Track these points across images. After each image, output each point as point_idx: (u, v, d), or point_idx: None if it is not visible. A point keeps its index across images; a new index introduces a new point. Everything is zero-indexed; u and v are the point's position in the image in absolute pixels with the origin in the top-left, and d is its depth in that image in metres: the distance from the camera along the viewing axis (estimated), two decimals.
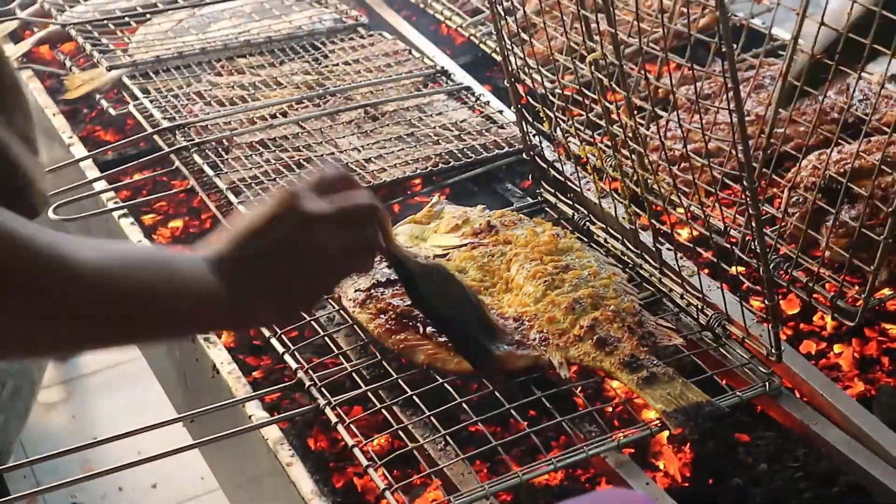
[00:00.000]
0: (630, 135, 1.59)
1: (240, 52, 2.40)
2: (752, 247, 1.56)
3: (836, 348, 1.73)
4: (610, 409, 1.58)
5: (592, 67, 1.61)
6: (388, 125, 2.13)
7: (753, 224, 1.43)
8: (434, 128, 2.11)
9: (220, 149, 2.08)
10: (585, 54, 1.68)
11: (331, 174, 1.24)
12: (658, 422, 1.47)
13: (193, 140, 2.09)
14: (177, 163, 2.08)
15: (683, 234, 1.88)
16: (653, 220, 1.71)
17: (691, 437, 1.56)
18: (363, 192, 1.26)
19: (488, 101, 2.22)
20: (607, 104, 1.62)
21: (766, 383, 1.53)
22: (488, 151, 2.04)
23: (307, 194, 1.19)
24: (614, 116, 1.63)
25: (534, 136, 1.93)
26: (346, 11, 2.57)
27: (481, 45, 2.44)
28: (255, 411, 1.58)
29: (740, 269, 1.73)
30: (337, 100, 2.21)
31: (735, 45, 1.66)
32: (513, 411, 1.49)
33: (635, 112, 1.59)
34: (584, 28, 1.62)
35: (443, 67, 2.33)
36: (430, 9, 2.62)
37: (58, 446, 1.56)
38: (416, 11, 2.72)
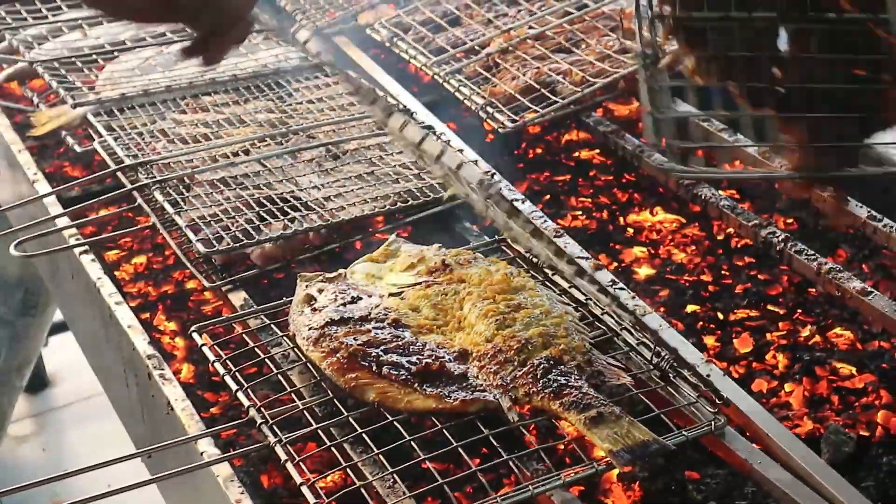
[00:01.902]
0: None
1: (205, 89, 2.42)
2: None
3: (787, 387, 1.76)
4: (561, 447, 1.60)
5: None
6: (348, 164, 2.15)
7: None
8: (394, 167, 2.13)
9: (181, 186, 2.09)
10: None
11: None
12: (606, 460, 1.49)
13: (156, 177, 2.11)
14: (139, 200, 2.10)
15: (639, 272, 1.91)
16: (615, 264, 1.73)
17: (641, 474, 1.58)
18: None
19: (449, 140, 2.25)
20: None
21: (713, 422, 1.54)
22: (446, 190, 2.06)
23: None
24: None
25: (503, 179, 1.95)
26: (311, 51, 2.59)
27: (445, 84, 2.46)
28: (207, 448, 1.59)
29: (695, 307, 1.76)
30: (299, 138, 2.23)
31: None
32: (461, 450, 1.50)
33: None
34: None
35: (405, 106, 2.36)
36: (395, 48, 2.64)
37: (28, 479, 1.57)
38: (384, 50, 2.75)
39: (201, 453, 1.58)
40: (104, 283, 1.95)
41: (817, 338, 1.86)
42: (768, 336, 1.84)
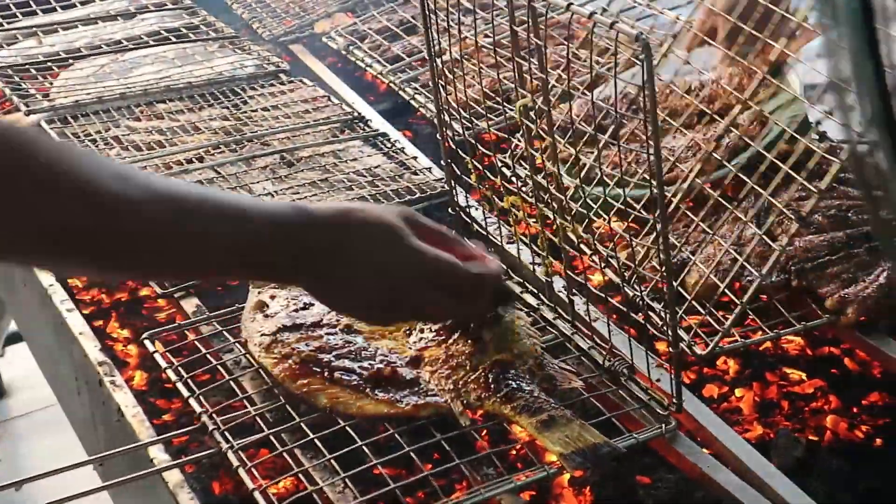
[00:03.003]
0: (553, 182, 1.62)
1: (159, 97, 2.42)
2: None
3: (738, 392, 1.77)
4: (513, 452, 1.60)
5: (521, 113, 1.64)
6: (302, 171, 2.15)
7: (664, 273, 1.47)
8: (348, 173, 2.14)
9: None
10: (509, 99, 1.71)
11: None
12: (557, 463, 1.50)
13: None
14: None
15: (593, 279, 1.91)
16: (568, 272, 1.73)
17: (592, 479, 1.58)
18: (494, 262, 1.45)
19: (403, 148, 2.25)
20: (532, 151, 1.65)
21: (663, 425, 1.55)
22: (400, 197, 2.07)
23: (433, 241, 1.36)
24: (539, 164, 1.66)
25: (455, 188, 1.96)
26: (267, 58, 2.60)
27: (400, 92, 2.47)
28: (158, 454, 1.58)
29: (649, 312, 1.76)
30: (253, 145, 2.23)
31: None
32: (413, 454, 1.50)
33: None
34: (515, 73, 1.64)
35: (360, 114, 2.36)
36: (351, 56, 2.65)
37: None
38: (341, 58, 2.75)
39: (151, 459, 1.57)
40: (56, 290, 1.94)
41: (768, 344, 1.87)
42: (704, 347, 1.85)
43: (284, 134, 2.26)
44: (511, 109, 1.70)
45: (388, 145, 2.26)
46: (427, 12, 1.75)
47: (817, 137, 1.87)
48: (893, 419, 1.70)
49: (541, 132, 1.59)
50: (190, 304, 1.89)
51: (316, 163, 2.17)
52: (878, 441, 1.67)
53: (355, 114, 2.35)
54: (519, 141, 1.69)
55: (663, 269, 1.47)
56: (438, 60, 1.80)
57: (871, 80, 0.63)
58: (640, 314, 1.64)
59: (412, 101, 2.44)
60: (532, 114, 1.60)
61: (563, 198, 1.61)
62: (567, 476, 1.58)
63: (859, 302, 1.74)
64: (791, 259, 1.82)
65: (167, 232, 1.19)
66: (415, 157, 2.21)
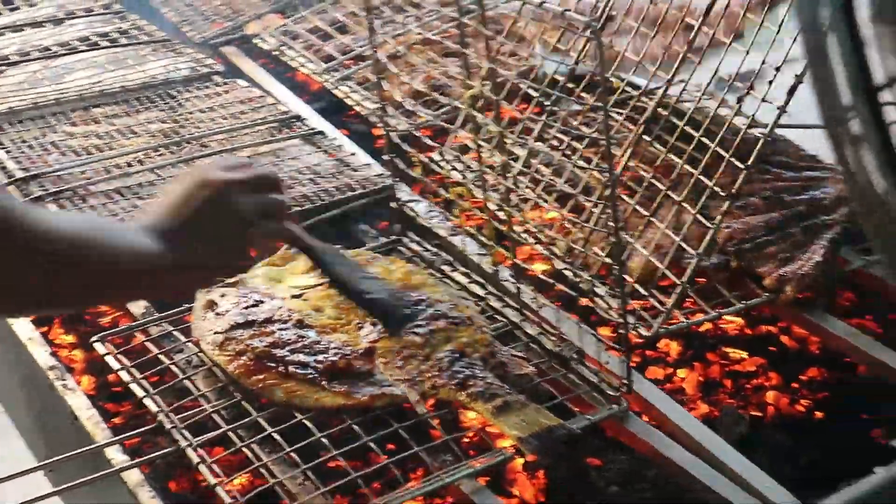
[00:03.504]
0: (500, 171, 1.65)
1: (95, 102, 2.41)
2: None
3: (681, 373, 1.81)
4: (466, 440, 1.63)
5: (468, 103, 1.66)
6: None
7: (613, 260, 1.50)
8: (289, 172, 2.15)
9: (76, 198, 2.08)
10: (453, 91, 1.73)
11: (235, 160, 1.43)
12: (512, 447, 1.52)
13: (49, 190, 2.09)
14: None
15: (537, 268, 1.94)
16: (515, 260, 1.76)
17: (546, 462, 1.61)
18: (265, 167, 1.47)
19: (341, 145, 2.27)
20: (479, 142, 1.67)
21: (615, 406, 1.59)
22: (342, 193, 2.09)
23: (218, 168, 1.37)
24: (485, 153, 1.68)
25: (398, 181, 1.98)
26: (201, 60, 2.60)
27: (335, 91, 2.49)
28: (116, 455, 1.59)
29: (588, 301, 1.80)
30: (192, 147, 2.23)
31: None
32: (372, 444, 1.52)
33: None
34: (464, 64, 1.66)
35: (297, 113, 2.37)
36: (284, 56, 2.66)
37: None
38: (272, 59, 2.76)
39: (109, 461, 1.58)
40: None
41: (708, 325, 1.92)
42: (651, 328, 1.88)
43: (223, 135, 2.27)
44: (448, 104, 1.73)
45: (327, 143, 2.27)
46: (370, 8, 1.77)
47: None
48: (832, 393, 1.76)
49: (488, 121, 1.62)
50: (137, 307, 1.89)
51: (256, 162, 2.18)
52: (819, 414, 1.73)
53: (292, 113, 2.37)
54: (465, 132, 1.71)
55: (609, 251, 1.50)
56: (381, 55, 1.81)
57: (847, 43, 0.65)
58: (586, 299, 1.68)
59: (347, 100, 2.45)
60: (480, 104, 1.63)
61: (510, 186, 1.64)
62: (520, 461, 1.61)
63: (797, 280, 1.79)
64: (729, 240, 1.86)
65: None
66: (353, 154, 2.23)
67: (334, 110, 2.53)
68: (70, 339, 2.01)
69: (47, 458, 1.70)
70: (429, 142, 1.81)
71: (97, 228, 1.26)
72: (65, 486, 1.57)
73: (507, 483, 1.63)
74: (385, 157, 1.94)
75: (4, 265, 1.12)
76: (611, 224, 1.48)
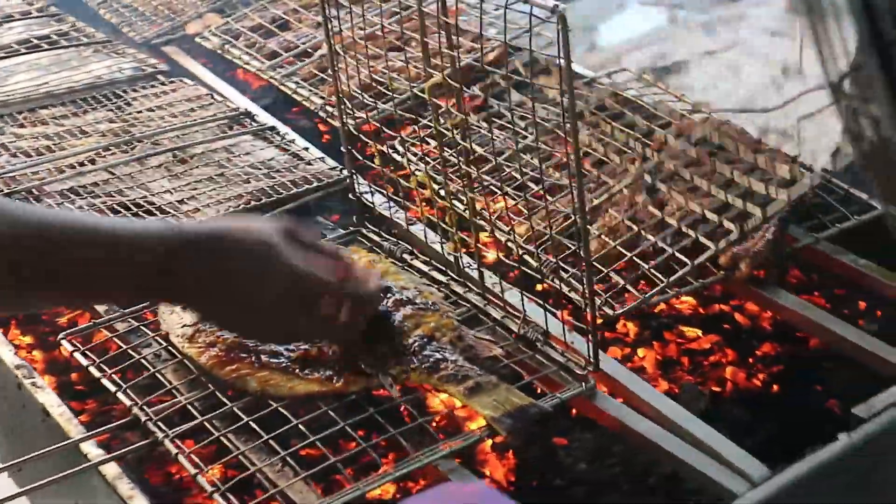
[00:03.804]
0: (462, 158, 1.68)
1: (41, 103, 2.40)
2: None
3: (640, 352, 1.85)
4: (434, 423, 1.65)
5: (429, 93, 1.69)
6: (197, 167, 2.17)
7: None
8: (243, 167, 2.16)
9: (30, 199, 2.08)
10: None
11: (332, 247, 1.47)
12: (480, 429, 1.55)
13: (2, 191, 2.09)
14: None
15: (495, 254, 1.97)
16: (478, 245, 1.79)
17: (518, 441, 1.65)
18: (373, 278, 1.49)
19: (293, 140, 2.29)
20: (442, 129, 1.70)
21: (583, 384, 1.63)
22: (298, 187, 2.10)
23: (312, 258, 1.39)
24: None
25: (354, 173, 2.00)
26: (144, 60, 2.60)
27: (281, 87, 2.50)
28: (92, 450, 1.59)
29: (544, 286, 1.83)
30: (144, 145, 2.24)
31: None
32: (348, 428, 1.55)
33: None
34: (424, 52, 1.69)
35: (246, 110, 2.39)
36: (227, 55, 2.66)
37: None
38: (211, 58, 2.76)
39: (85, 455, 1.58)
40: None
41: (662, 305, 1.96)
42: (616, 307, 1.93)
43: (174, 132, 2.27)
44: (399, 96, 1.76)
45: (278, 138, 2.29)
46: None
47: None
48: (786, 366, 1.81)
49: (451, 109, 1.64)
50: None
51: (209, 158, 2.19)
52: (775, 387, 1.78)
53: (241, 110, 2.38)
54: (424, 121, 1.74)
55: (574, 233, 1.54)
56: (337, 46, 1.83)
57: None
58: (548, 283, 1.72)
59: (294, 95, 2.47)
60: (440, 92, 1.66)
61: (474, 171, 1.67)
62: (489, 442, 1.65)
63: (751, 257, 1.84)
64: (682, 220, 1.91)
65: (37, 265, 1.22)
66: (306, 149, 2.25)
67: (280, 107, 2.55)
68: (28, 339, 2.01)
69: (11, 459, 1.70)
70: (387, 131, 1.84)
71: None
72: (38, 483, 1.57)
73: (479, 464, 1.66)
74: (343, 149, 1.96)
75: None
76: (574, 206, 1.52)
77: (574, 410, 1.70)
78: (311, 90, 2.44)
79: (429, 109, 1.75)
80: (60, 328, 2.00)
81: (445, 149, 1.74)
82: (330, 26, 1.83)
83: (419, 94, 1.72)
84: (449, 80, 1.63)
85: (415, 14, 2.39)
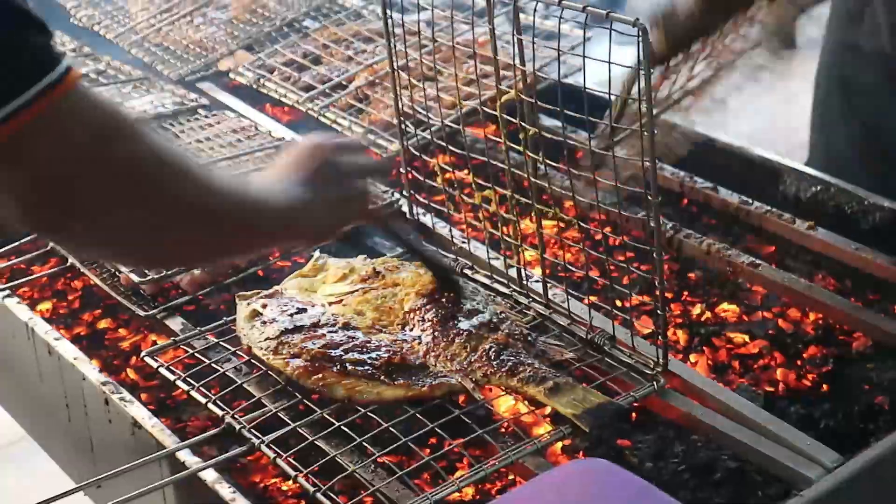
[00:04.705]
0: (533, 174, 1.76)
1: None
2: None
3: (692, 358, 1.94)
4: (503, 429, 1.72)
5: (502, 109, 1.77)
6: None
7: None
8: None
9: None
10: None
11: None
12: (547, 434, 1.64)
13: None
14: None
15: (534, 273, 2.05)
16: (544, 256, 1.87)
17: (582, 445, 1.73)
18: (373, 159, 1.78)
19: None
20: (511, 144, 1.78)
21: (654, 383, 1.71)
22: None
23: (321, 138, 1.62)
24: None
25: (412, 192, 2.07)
26: (184, 95, 2.68)
27: (320, 118, 2.58)
28: (188, 458, 1.66)
29: (593, 297, 1.91)
30: None
31: None
32: (438, 429, 1.62)
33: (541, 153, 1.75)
34: (496, 70, 1.77)
35: (292, 139, 2.46)
36: (263, 88, 2.74)
37: None
38: (243, 94, 2.84)
39: (182, 462, 1.65)
40: (36, 322, 1.99)
41: (708, 314, 2.05)
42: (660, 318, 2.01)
43: (226, 162, 2.34)
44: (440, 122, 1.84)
45: None
46: (388, 19, 1.88)
47: None
48: (835, 366, 1.90)
49: (522, 126, 1.73)
50: (175, 323, 1.96)
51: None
52: (825, 387, 1.87)
53: (287, 139, 2.45)
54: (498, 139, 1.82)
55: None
56: (402, 73, 1.92)
57: None
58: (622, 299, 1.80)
59: (334, 126, 2.55)
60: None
61: (545, 185, 1.76)
62: (559, 445, 1.72)
63: None
64: None
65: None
66: None
67: None
68: (95, 364, 2.07)
69: (93, 476, 1.75)
70: (453, 149, 1.92)
71: (245, 188, 1.45)
72: (148, 487, 1.62)
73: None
74: (402, 169, 2.04)
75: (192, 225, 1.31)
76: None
77: (634, 415, 1.77)
78: (351, 120, 2.52)
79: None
80: (124, 352, 2.06)
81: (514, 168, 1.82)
82: (393, 47, 1.90)
83: (490, 111, 1.80)
84: (521, 96, 1.71)
85: (443, 47, 2.50)
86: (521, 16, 1.72)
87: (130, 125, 1.23)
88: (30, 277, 2.19)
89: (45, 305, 2.22)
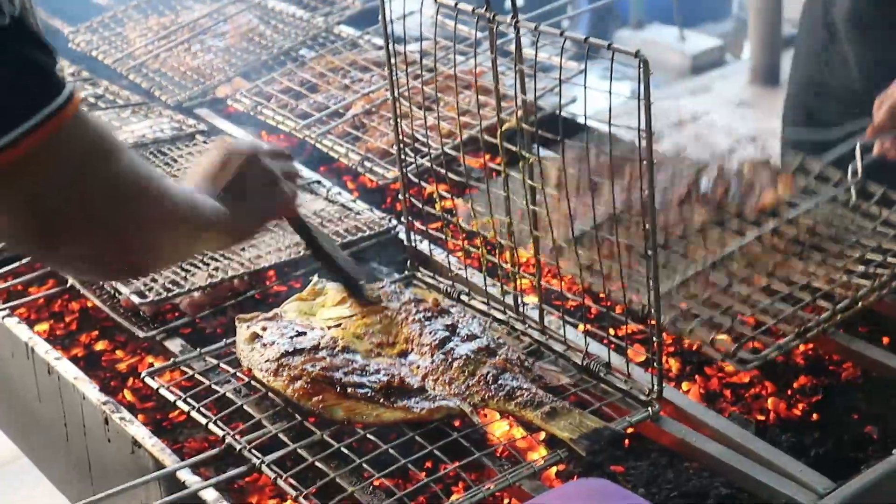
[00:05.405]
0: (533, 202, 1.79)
1: None
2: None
3: (685, 386, 1.96)
4: (498, 452, 1.75)
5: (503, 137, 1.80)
6: None
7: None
8: None
9: None
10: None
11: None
12: (542, 458, 1.66)
13: None
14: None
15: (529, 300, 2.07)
16: (540, 283, 1.89)
17: (576, 470, 1.75)
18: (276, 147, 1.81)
19: (339, 192, 2.40)
20: (510, 172, 1.81)
21: (649, 409, 1.74)
22: (352, 235, 2.21)
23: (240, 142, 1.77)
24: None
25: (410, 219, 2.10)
26: (183, 120, 2.71)
27: (317, 145, 2.61)
28: (188, 477, 1.67)
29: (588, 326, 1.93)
30: None
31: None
32: (437, 452, 1.65)
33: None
34: (497, 99, 1.80)
35: (216, 138, 2.49)
36: (260, 115, 2.77)
37: None
38: (240, 121, 2.87)
39: (183, 482, 1.66)
40: (36, 342, 2.01)
41: (698, 342, 2.07)
42: (655, 345, 2.03)
43: None
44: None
45: (324, 191, 2.39)
46: (389, 49, 1.91)
47: None
48: (825, 396, 1.93)
49: (522, 153, 1.76)
50: (174, 345, 1.98)
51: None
52: (815, 416, 1.90)
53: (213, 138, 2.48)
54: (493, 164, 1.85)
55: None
56: (403, 100, 1.95)
57: None
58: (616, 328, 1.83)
59: (331, 153, 2.58)
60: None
61: (543, 210, 1.79)
62: (554, 469, 1.75)
63: None
64: None
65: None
66: (353, 200, 2.36)
67: (315, 163, 2.66)
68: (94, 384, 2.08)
69: (90, 495, 1.76)
70: (452, 175, 1.95)
71: (197, 197, 1.50)
72: None
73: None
74: (400, 196, 2.07)
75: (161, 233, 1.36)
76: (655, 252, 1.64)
77: (627, 441, 1.80)
78: (347, 147, 2.55)
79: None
80: (121, 373, 2.08)
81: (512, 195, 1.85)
82: (395, 76, 1.93)
83: (490, 139, 1.83)
84: (522, 125, 1.74)
85: (439, 76, 2.53)
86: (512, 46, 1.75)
87: (117, 146, 1.28)
88: (27, 298, 2.21)
89: (42, 327, 2.24)
